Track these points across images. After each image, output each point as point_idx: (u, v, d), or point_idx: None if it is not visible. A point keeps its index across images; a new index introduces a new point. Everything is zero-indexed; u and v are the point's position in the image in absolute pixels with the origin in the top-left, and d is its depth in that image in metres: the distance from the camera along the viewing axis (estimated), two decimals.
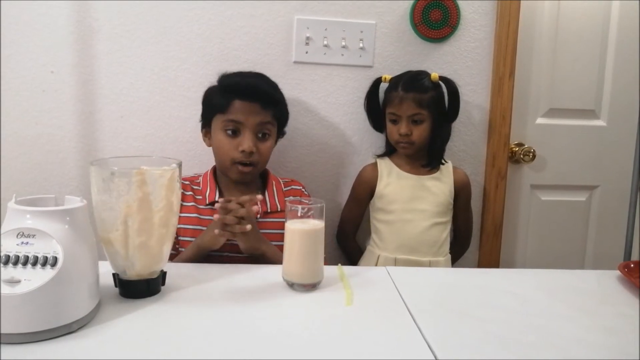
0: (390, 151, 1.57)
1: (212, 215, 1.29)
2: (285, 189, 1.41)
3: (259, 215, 1.31)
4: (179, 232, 1.28)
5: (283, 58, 1.56)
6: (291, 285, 0.97)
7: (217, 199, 1.31)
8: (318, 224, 0.97)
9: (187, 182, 1.35)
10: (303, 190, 1.43)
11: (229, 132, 1.31)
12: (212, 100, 1.36)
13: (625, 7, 1.71)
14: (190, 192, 1.34)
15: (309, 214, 0.97)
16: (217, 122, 1.33)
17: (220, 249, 1.27)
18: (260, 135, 1.32)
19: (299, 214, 0.97)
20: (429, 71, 1.57)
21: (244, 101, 1.29)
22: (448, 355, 0.74)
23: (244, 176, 1.32)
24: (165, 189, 0.88)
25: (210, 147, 1.38)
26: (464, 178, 1.56)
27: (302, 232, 0.96)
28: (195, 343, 0.75)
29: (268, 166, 1.47)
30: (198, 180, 1.38)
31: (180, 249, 1.29)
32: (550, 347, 0.78)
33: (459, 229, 1.60)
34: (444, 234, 1.49)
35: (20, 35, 1.47)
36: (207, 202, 1.32)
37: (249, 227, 1.10)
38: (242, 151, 1.28)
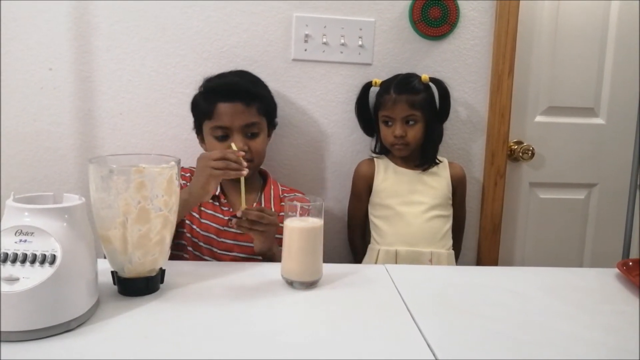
0: (385, 151, 1.57)
1: (214, 211, 1.30)
2: (286, 195, 1.41)
3: None
4: (178, 225, 1.28)
5: (282, 55, 1.56)
6: (290, 284, 0.97)
7: (217, 193, 1.32)
8: (317, 222, 0.97)
9: (189, 175, 1.35)
10: (303, 196, 1.42)
11: (218, 137, 1.32)
12: (198, 107, 1.37)
13: (625, 5, 1.70)
14: None
15: (308, 212, 0.97)
16: (206, 128, 1.35)
17: (230, 249, 1.27)
18: (249, 135, 1.32)
19: (297, 212, 0.97)
20: (428, 69, 1.59)
21: (226, 102, 1.30)
22: (447, 353, 0.74)
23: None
24: (164, 191, 0.87)
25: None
26: (460, 171, 1.57)
27: (301, 230, 0.96)
28: (194, 341, 0.75)
29: (268, 165, 1.47)
30: None
31: (178, 242, 1.30)
32: (549, 345, 0.78)
33: (453, 227, 1.59)
34: (445, 227, 1.49)
35: (19, 32, 1.47)
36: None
37: (245, 172, 1.09)
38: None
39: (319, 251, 0.98)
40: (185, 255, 1.31)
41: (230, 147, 1.21)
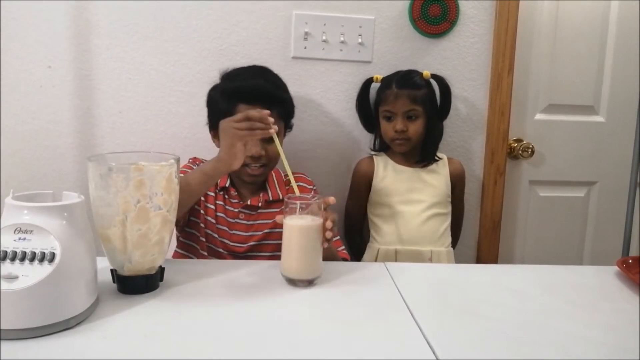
0: (384, 148, 1.57)
1: (224, 203, 1.31)
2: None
3: (259, 203, 1.32)
4: (191, 214, 1.30)
5: (281, 53, 1.56)
6: (289, 281, 0.97)
7: (227, 185, 1.32)
8: (317, 220, 0.97)
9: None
10: (305, 176, 1.43)
11: None
12: (217, 105, 1.32)
13: (625, 4, 1.70)
14: None
15: (307, 209, 0.97)
16: None
17: (244, 241, 1.28)
18: (267, 139, 1.26)
19: (297, 210, 0.97)
20: (427, 67, 1.59)
21: (247, 105, 1.24)
22: (447, 352, 0.74)
23: (255, 178, 1.32)
24: (163, 189, 0.87)
25: (213, 145, 1.38)
26: (459, 168, 1.57)
27: (301, 227, 0.96)
28: (193, 339, 0.75)
29: None
30: None
31: (186, 229, 1.31)
32: (549, 344, 0.78)
33: (451, 223, 1.59)
34: (444, 225, 1.49)
35: (18, 30, 1.46)
36: (219, 187, 1.32)
37: (274, 129, 1.05)
38: (251, 156, 1.26)
39: (318, 249, 0.98)
40: (196, 246, 1.30)
41: (247, 153, 1.18)
